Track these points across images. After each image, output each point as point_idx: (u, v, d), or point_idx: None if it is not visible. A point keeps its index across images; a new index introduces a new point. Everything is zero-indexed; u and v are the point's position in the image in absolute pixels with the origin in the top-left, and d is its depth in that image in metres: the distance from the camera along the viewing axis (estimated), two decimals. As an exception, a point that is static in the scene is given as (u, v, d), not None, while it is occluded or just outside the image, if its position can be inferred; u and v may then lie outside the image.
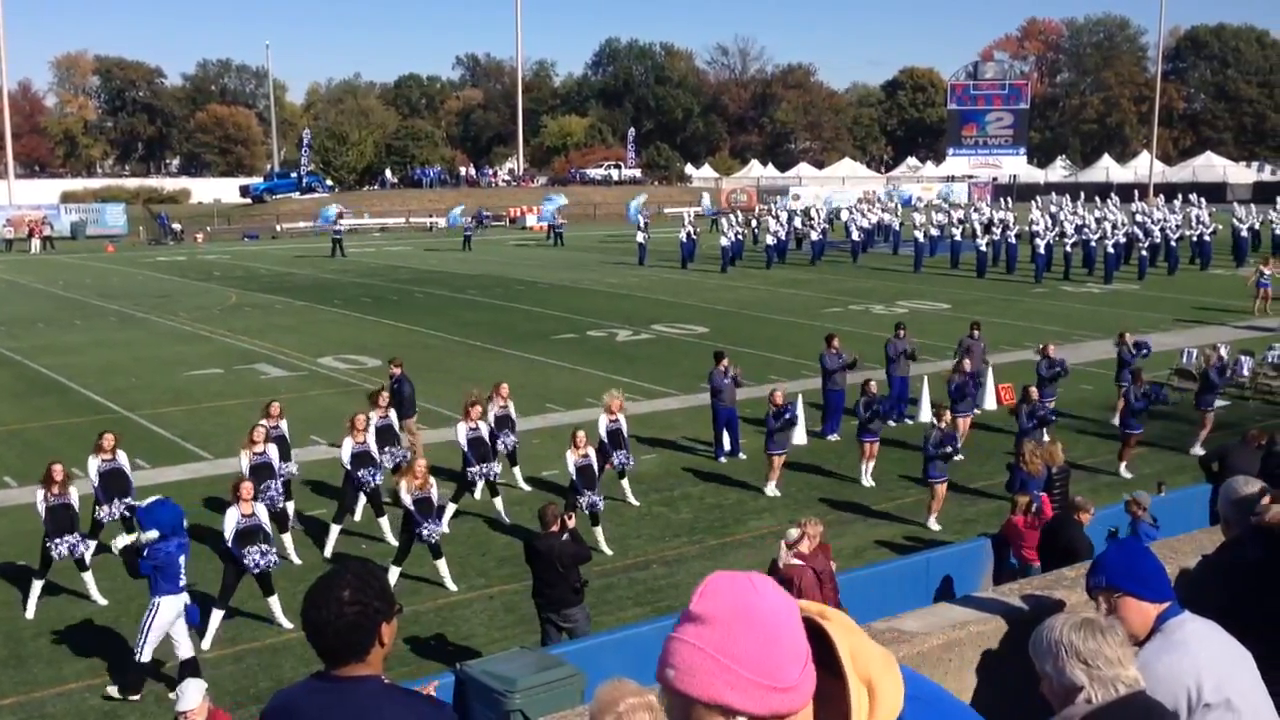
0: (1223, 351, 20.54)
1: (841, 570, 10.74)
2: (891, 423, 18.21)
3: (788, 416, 15.67)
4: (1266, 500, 4.39)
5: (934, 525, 14.34)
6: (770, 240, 46.48)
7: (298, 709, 3.08)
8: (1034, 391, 16.49)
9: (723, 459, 17.36)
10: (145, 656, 9.98)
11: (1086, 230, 43.03)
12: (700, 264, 44.59)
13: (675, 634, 1.76)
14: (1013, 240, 42.49)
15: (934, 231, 46.05)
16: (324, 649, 3.03)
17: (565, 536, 10.24)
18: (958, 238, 44.59)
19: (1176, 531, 6.97)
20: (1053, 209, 54.89)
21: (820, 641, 1.80)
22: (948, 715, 2.02)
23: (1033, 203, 61.92)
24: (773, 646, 1.71)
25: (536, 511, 10.76)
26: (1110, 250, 39.22)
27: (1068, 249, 41.36)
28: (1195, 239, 43.84)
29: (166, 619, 9.93)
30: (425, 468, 12.62)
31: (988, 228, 45.79)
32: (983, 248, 41.87)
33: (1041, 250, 39.08)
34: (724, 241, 44.28)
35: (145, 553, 9.80)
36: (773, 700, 1.71)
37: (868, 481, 16.18)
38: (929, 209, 60.78)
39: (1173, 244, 42.30)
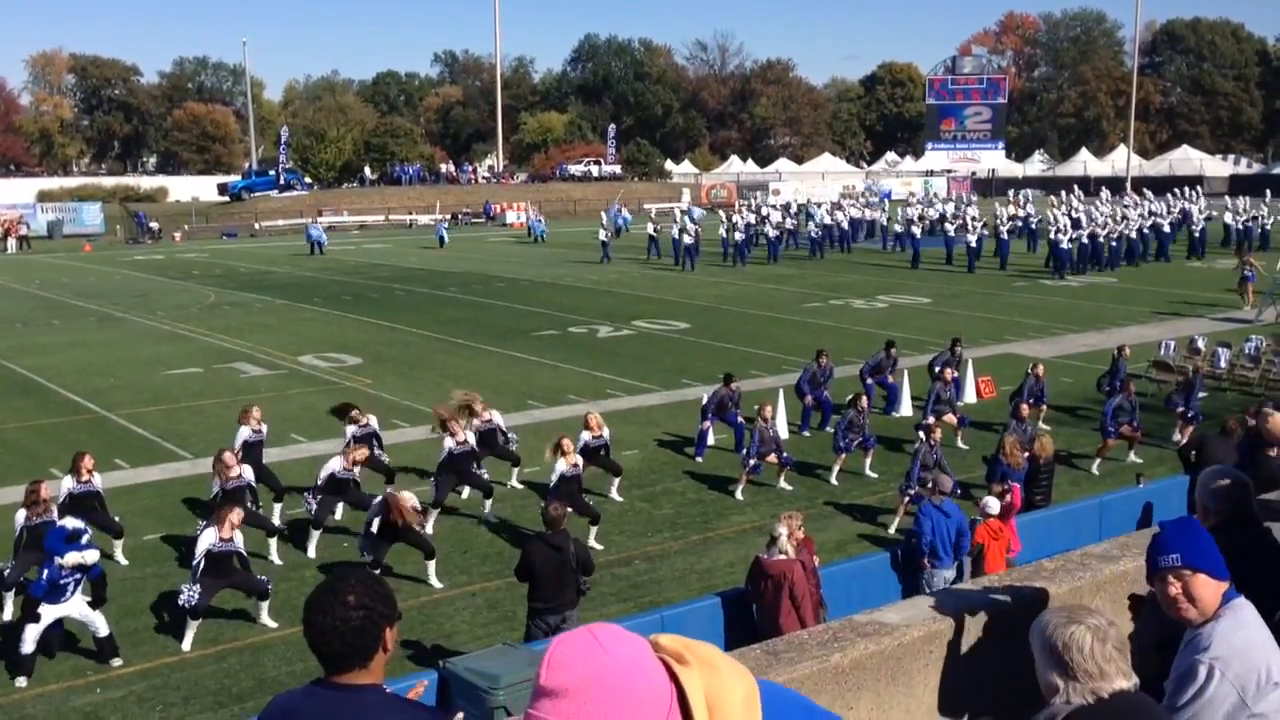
0: (1200, 344, 20.69)
1: (824, 564, 10.79)
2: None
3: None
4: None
5: (893, 530, 14.05)
6: (740, 236, 45.32)
7: (298, 714, 3.00)
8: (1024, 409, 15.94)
9: (700, 459, 17.32)
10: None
11: (1094, 225, 42.90)
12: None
13: (531, 711, 1.69)
14: (1004, 236, 42.34)
15: (915, 230, 46.04)
16: (327, 654, 2.95)
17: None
18: (951, 234, 44.54)
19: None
20: (1075, 209, 52.38)
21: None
22: None
23: (1050, 199, 59.56)
24: (630, 708, 1.66)
25: (540, 511, 10.75)
26: (1114, 244, 40.00)
27: (1066, 244, 41.37)
28: (1189, 230, 44.59)
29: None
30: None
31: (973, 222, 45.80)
32: (973, 243, 41.72)
33: (1065, 245, 38.60)
34: (686, 242, 43.26)
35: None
36: None
37: (835, 481, 16.04)
38: (920, 204, 60.47)
39: (1145, 233, 42.78)
